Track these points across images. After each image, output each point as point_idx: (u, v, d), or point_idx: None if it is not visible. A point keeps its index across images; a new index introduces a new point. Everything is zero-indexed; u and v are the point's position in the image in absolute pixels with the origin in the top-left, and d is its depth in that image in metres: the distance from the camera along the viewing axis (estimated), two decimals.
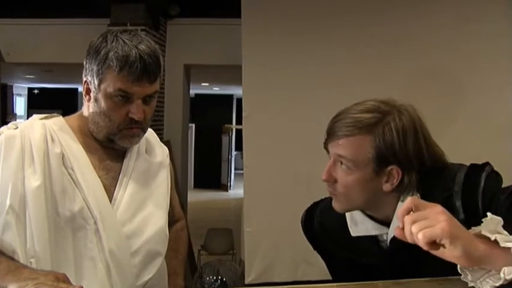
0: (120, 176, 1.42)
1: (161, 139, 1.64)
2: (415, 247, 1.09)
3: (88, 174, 1.35)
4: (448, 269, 1.01)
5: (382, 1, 3.73)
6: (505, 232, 0.94)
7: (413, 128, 1.22)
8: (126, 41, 1.32)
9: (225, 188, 13.78)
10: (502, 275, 0.93)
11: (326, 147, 1.28)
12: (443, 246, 0.91)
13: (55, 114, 1.45)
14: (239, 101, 14.68)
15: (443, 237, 0.90)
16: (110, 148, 1.42)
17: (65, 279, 1.13)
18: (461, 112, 3.62)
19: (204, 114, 13.47)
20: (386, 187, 1.23)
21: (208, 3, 5.15)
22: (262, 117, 3.77)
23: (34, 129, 1.35)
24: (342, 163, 1.22)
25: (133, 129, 1.38)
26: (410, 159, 1.21)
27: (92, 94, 1.37)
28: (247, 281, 3.88)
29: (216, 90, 13.24)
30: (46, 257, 1.26)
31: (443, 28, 3.69)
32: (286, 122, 3.74)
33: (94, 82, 1.35)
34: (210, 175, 13.66)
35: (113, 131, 1.37)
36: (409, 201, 0.96)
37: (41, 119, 1.40)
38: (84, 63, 1.39)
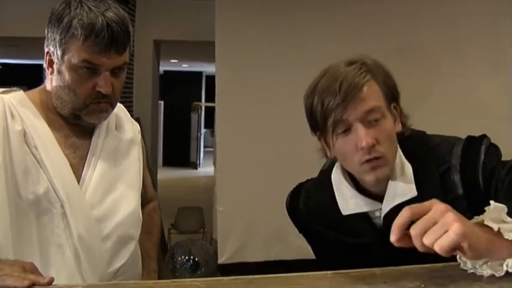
0: (89, 154, 1.31)
1: (131, 116, 1.53)
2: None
3: (53, 152, 1.24)
4: None
5: None
6: (509, 219, 0.88)
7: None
8: (92, 7, 1.20)
9: (194, 165, 13.68)
10: (505, 267, 0.88)
11: (335, 127, 1.13)
12: (461, 249, 0.85)
13: (15, 88, 1.32)
14: (209, 78, 14.56)
15: (461, 241, 0.83)
16: (76, 125, 1.31)
17: (33, 269, 1.04)
18: (439, 91, 3.61)
19: (173, 92, 13.27)
20: (398, 127, 1.18)
21: None
22: (235, 96, 3.68)
23: None
24: (369, 120, 1.11)
25: (101, 103, 1.27)
26: (399, 95, 1.19)
27: (55, 66, 1.26)
28: (220, 261, 3.82)
29: (185, 67, 13.02)
30: (8, 244, 1.15)
31: (426, 7, 3.65)
32: (259, 100, 3.66)
33: (57, 53, 1.23)
34: (179, 153, 13.54)
35: (79, 106, 1.26)
36: (406, 211, 0.88)
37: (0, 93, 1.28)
38: (46, 32, 1.26)
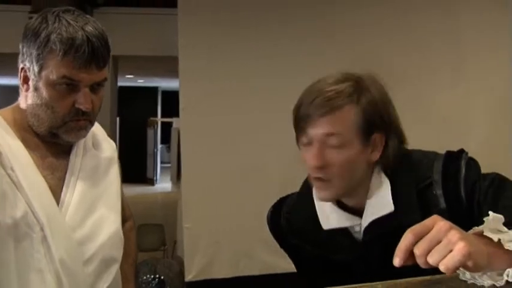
0: (67, 175, 1.26)
1: None
2: (390, 237, 1.04)
3: (31, 174, 1.18)
4: None
5: None
6: (505, 229, 0.89)
7: (387, 94, 1.19)
8: (71, 21, 1.17)
9: (151, 182, 13.48)
10: (505, 276, 0.89)
11: (301, 136, 1.16)
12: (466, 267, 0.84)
13: None
14: (164, 93, 14.42)
15: (467, 261, 0.82)
16: (53, 144, 1.26)
17: None
18: (400, 100, 3.67)
19: (128, 107, 13.08)
20: (375, 155, 1.17)
21: None
22: (200, 109, 3.65)
23: None
24: (329, 143, 1.12)
25: (80, 121, 1.22)
26: (391, 123, 1.17)
27: (30, 83, 1.20)
28: (187, 279, 3.75)
29: (141, 82, 12.87)
30: None
31: (386, 18, 3.73)
32: (225, 114, 3.64)
33: (33, 69, 1.18)
34: (136, 169, 13.29)
35: (57, 124, 1.21)
36: (409, 234, 0.86)
37: None
38: (21, 47, 1.21)
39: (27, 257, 1.14)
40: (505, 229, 0.90)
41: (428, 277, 0.95)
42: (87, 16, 1.22)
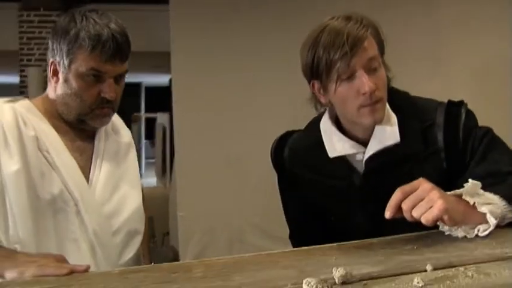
0: (93, 157, 1.41)
1: None
2: (389, 168, 1.29)
3: (64, 156, 1.33)
4: None
5: None
6: (481, 192, 1.09)
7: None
8: (97, 20, 1.32)
9: None
10: (476, 231, 1.09)
11: (340, 74, 1.25)
12: (442, 220, 1.04)
13: (19, 97, 1.40)
14: (148, 89, 14.48)
15: (443, 215, 1.03)
16: (80, 129, 1.41)
17: (64, 260, 1.12)
18: None
19: None
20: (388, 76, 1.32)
21: None
22: (192, 103, 3.78)
23: (4, 113, 1.30)
24: (370, 68, 1.26)
25: (105, 108, 1.38)
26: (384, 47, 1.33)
27: (60, 75, 1.35)
28: None
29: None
30: (31, 242, 1.23)
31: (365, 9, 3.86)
32: (216, 106, 3.76)
33: (64, 62, 1.33)
34: None
35: (85, 111, 1.36)
36: (398, 192, 1.06)
37: (6, 102, 1.35)
38: (50, 44, 1.36)
39: (64, 228, 1.30)
40: (481, 192, 1.10)
41: (416, 233, 1.13)
42: (110, 14, 1.37)
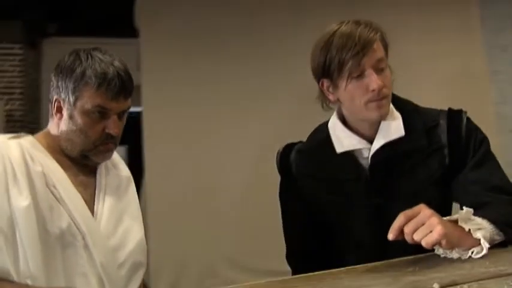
0: (96, 191, 1.44)
1: None
2: (394, 162, 1.41)
3: (69, 190, 1.36)
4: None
5: (273, 19, 3.94)
6: (473, 217, 1.22)
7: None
8: (102, 58, 1.37)
9: None
10: (469, 253, 1.20)
11: (350, 72, 1.35)
12: (440, 244, 1.15)
13: (22, 133, 1.42)
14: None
15: (441, 240, 1.13)
16: (81, 165, 1.43)
17: None
18: None
19: None
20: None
21: (88, 23, 5.06)
22: (163, 135, 3.81)
23: (11, 149, 1.32)
24: (378, 68, 1.36)
25: (108, 144, 1.42)
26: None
27: (64, 112, 1.39)
28: None
29: None
30: (41, 276, 1.24)
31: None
32: (187, 138, 3.82)
33: (69, 99, 1.36)
34: None
35: (89, 147, 1.39)
36: (401, 217, 1.16)
37: (11, 138, 1.37)
38: (55, 81, 1.39)
39: (73, 262, 1.31)
40: (473, 217, 1.22)
41: (415, 256, 1.22)
42: (111, 53, 1.42)
